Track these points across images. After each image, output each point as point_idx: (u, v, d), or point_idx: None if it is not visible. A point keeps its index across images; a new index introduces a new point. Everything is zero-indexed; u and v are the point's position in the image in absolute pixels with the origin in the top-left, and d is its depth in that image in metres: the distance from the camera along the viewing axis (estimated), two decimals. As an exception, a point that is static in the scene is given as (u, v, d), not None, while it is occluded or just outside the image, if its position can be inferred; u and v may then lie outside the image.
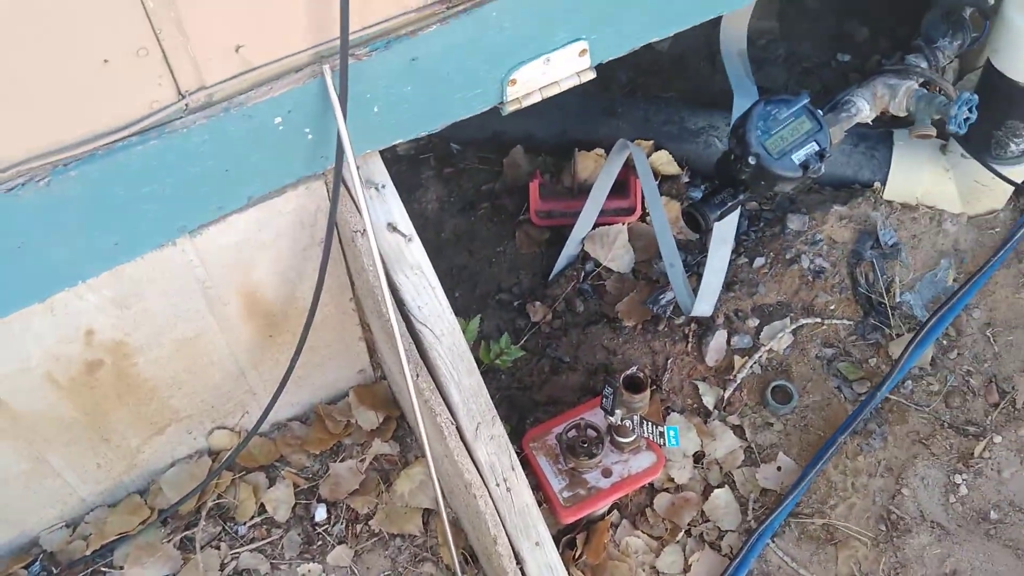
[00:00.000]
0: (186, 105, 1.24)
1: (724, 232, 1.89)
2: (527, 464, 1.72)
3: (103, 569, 1.74)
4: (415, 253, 1.52)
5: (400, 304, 1.50)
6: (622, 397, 1.59)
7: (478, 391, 1.55)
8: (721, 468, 1.94)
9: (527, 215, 2.22)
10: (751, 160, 1.60)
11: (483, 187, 2.31)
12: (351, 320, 1.80)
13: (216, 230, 1.42)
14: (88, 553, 1.73)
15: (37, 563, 1.72)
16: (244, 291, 1.57)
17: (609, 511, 1.87)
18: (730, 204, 1.68)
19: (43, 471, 1.63)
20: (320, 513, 1.82)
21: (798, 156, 1.62)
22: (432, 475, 1.54)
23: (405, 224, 1.52)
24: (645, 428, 1.64)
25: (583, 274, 2.13)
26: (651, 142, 2.24)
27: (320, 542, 1.80)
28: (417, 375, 1.51)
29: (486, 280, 2.15)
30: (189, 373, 1.66)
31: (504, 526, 1.55)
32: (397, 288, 1.49)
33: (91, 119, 1.18)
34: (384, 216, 1.50)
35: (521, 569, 1.57)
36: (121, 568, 1.73)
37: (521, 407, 1.95)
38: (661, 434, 1.63)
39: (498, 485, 1.55)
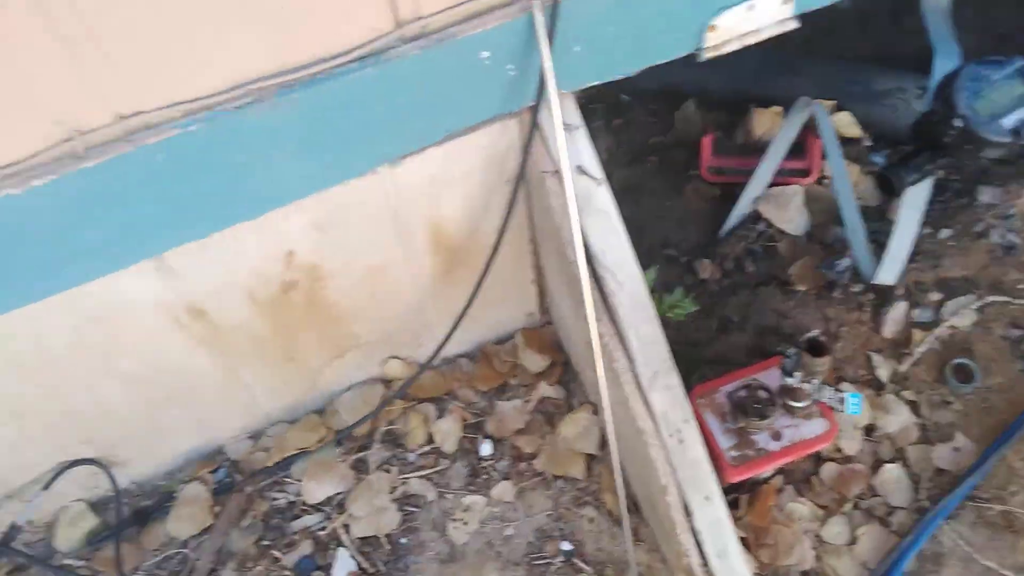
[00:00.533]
0: (402, 35, 1.27)
1: (916, 199, 1.80)
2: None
3: (282, 480, 1.84)
4: (603, 198, 1.52)
5: (585, 247, 1.50)
6: (803, 360, 1.55)
7: (656, 340, 1.54)
8: (893, 443, 1.87)
9: (697, 170, 2.18)
10: (957, 123, 1.53)
11: (652, 140, 2.28)
12: (526, 262, 1.82)
13: (414, 161, 1.45)
14: (270, 464, 1.83)
15: (222, 469, 1.84)
16: (431, 224, 1.61)
17: (773, 475, 1.83)
18: (928, 169, 1.60)
19: (234, 383, 1.73)
20: (486, 448, 1.86)
21: (1009, 121, 1.53)
22: (607, 420, 1.55)
23: (595, 168, 1.52)
24: (824, 393, 1.60)
25: (754, 234, 2.08)
26: (833, 102, 2.15)
27: (485, 476, 1.84)
28: (599, 319, 1.51)
29: (653, 233, 2.13)
30: (372, 301, 1.71)
31: (675, 477, 1.54)
32: (583, 231, 1.49)
33: (316, 44, 1.22)
34: (574, 158, 1.50)
35: (689, 522, 1.57)
36: (299, 481, 1.82)
37: (687, 363, 1.91)
38: (842, 400, 1.58)
39: (671, 436, 1.54)
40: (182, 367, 1.62)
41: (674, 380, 1.54)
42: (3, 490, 1.68)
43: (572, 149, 1.51)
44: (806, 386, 1.61)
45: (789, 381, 1.61)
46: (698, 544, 1.58)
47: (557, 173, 1.51)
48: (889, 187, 1.60)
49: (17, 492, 1.69)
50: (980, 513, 1.79)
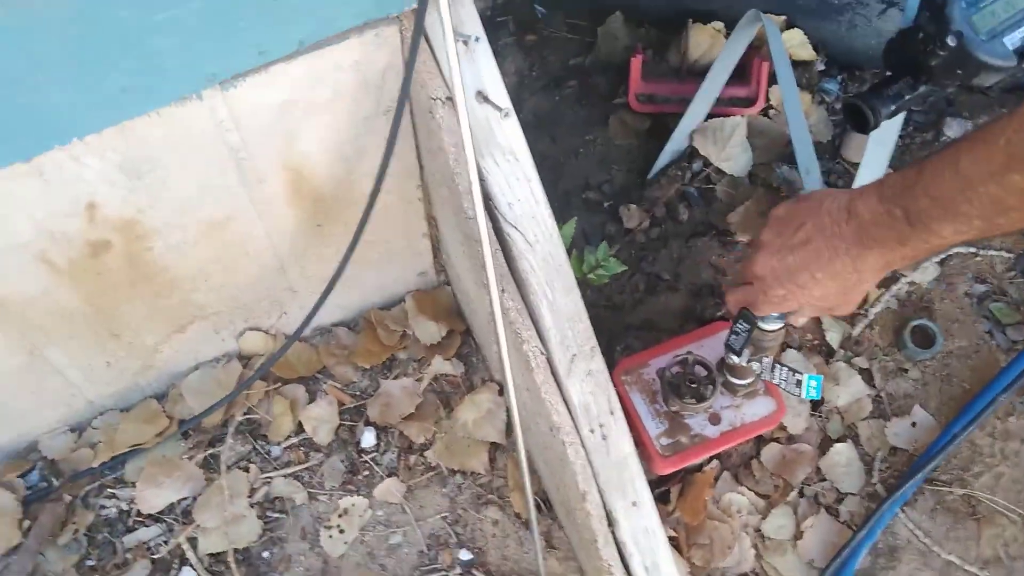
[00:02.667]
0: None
1: (885, 134, 1.51)
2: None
3: (111, 485, 1.48)
4: (510, 133, 1.18)
5: (486, 198, 1.17)
6: (755, 336, 1.26)
7: (576, 315, 1.23)
8: (843, 418, 1.62)
9: (625, 98, 1.85)
10: (950, 41, 1.21)
11: (572, 61, 1.93)
12: (415, 212, 1.47)
13: (256, 83, 1.08)
14: (95, 465, 1.47)
15: (35, 471, 1.47)
16: (288, 166, 1.24)
17: (708, 461, 1.57)
18: (908, 98, 1.31)
19: (40, 367, 1.36)
20: (368, 438, 1.53)
21: (1012, 40, 1.23)
22: (514, 414, 1.24)
23: (499, 94, 1.17)
24: (777, 374, 1.32)
25: (689, 175, 1.77)
26: (783, 17, 1.84)
27: (367, 472, 1.52)
28: (503, 290, 1.19)
29: (571, 174, 1.80)
30: (218, 264, 1.35)
31: (596, 481, 1.26)
32: (483, 177, 1.16)
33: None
34: (472, 82, 1.16)
35: (612, 532, 1.29)
36: (133, 485, 1.47)
37: (609, 331, 1.63)
38: (799, 383, 1.30)
39: (592, 431, 1.25)
40: (-40, 352, 1.24)
41: (598, 364, 1.24)
42: None
43: (470, 69, 1.16)
44: (755, 365, 1.34)
45: (735, 360, 1.32)
46: (623, 557, 1.32)
47: (450, 100, 1.16)
48: (860, 120, 1.30)
49: None
50: (940, 498, 1.56)
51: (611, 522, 1.28)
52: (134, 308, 1.35)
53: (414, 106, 1.25)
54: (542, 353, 1.20)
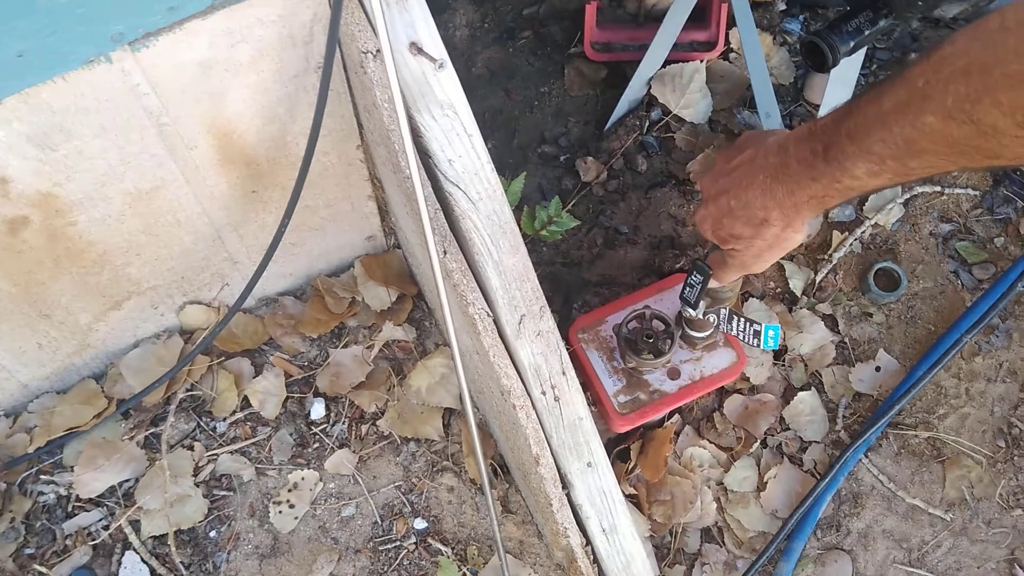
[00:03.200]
0: None
1: (846, 72, 1.46)
2: (575, 360, 1.37)
3: (49, 470, 1.43)
4: (447, 86, 1.11)
5: (425, 155, 1.12)
6: (709, 288, 1.22)
7: (524, 274, 1.18)
8: (807, 366, 1.60)
9: (580, 47, 1.78)
10: (910, -30, 1.17)
11: (525, 11, 1.86)
12: (358, 174, 1.40)
13: (170, 42, 1.01)
14: (31, 450, 1.41)
15: (-31, 459, 1.41)
16: (216, 130, 1.17)
17: (669, 415, 1.54)
18: (868, 34, 1.25)
19: (-34, 352, 1.29)
20: (317, 410, 1.49)
21: (971, -33, 1.18)
22: (461, 378, 1.19)
23: (434, 44, 1.10)
24: (734, 326, 1.28)
25: (648, 123, 1.71)
26: (739, -45, 1.76)
27: (317, 444, 1.47)
28: (444, 252, 1.14)
29: (526, 128, 1.74)
30: (149, 236, 1.28)
31: (549, 444, 1.22)
32: (421, 133, 1.10)
33: None
34: (405, 32, 1.09)
35: (568, 495, 1.26)
36: (72, 469, 1.41)
37: (567, 287, 1.58)
38: (756, 334, 1.26)
39: (544, 393, 1.21)
40: None
41: (547, 324, 1.20)
42: None
43: (401, 19, 1.09)
44: (712, 317, 1.30)
45: (691, 313, 1.28)
46: (579, 520, 1.29)
47: (380, 53, 1.09)
48: (819, 58, 1.25)
49: None
50: (904, 442, 1.55)
51: (566, 485, 1.25)
52: (62, 286, 1.28)
53: (347, 61, 1.18)
54: (489, 315, 1.15)
